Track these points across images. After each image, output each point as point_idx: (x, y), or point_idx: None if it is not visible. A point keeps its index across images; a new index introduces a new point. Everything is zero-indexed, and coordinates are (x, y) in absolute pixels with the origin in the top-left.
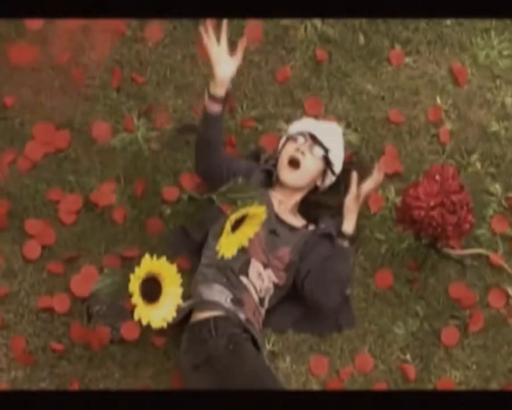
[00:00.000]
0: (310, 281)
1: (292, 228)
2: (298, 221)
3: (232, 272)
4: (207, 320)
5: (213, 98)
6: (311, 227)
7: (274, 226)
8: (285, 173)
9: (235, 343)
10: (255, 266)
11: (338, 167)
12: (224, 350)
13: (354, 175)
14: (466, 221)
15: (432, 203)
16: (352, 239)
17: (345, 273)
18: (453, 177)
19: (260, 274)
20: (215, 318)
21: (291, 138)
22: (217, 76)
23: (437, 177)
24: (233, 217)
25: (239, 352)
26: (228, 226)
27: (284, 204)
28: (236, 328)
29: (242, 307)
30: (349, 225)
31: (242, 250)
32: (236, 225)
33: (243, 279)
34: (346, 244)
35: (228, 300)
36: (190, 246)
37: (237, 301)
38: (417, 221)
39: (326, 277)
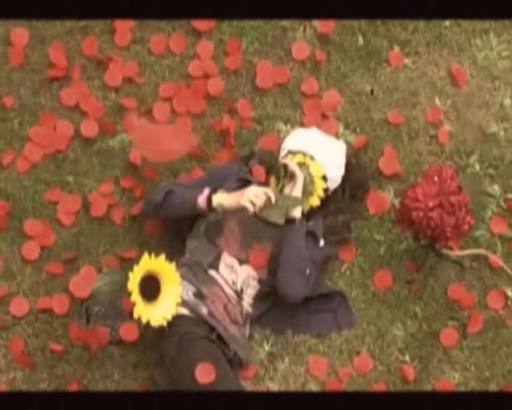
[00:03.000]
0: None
1: (273, 224)
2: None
3: (200, 267)
4: None
5: (209, 205)
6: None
7: (252, 224)
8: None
9: (186, 341)
10: (227, 260)
11: (333, 187)
12: (175, 348)
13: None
14: (465, 222)
15: (430, 204)
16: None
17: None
18: (451, 178)
19: (232, 267)
20: (172, 317)
21: (291, 154)
22: (228, 204)
23: (436, 178)
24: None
25: (189, 350)
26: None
27: None
28: (192, 327)
29: (204, 301)
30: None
31: (213, 245)
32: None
33: (213, 273)
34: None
35: (190, 293)
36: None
37: (199, 294)
38: (415, 222)
39: (281, 264)
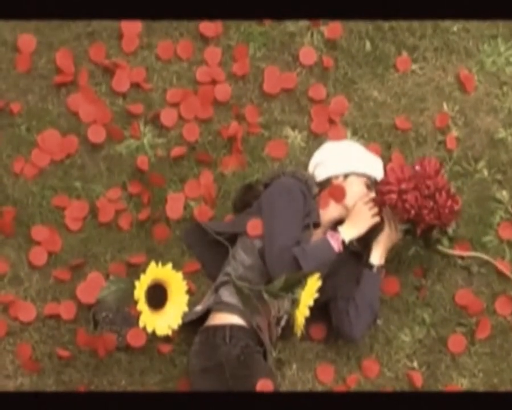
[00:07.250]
0: (341, 309)
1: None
2: None
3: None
4: (223, 327)
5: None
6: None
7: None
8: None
9: (248, 355)
10: None
11: None
12: (236, 360)
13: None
14: (446, 206)
15: (403, 186)
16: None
17: (375, 300)
18: (435, 171)
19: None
20: (231, 326)
21: (362, 176)
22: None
23: (417, 167)
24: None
25: (250, 364)
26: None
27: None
28: (250, 340)
29: (258, 316)
30: (374, 257)
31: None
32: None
33: (265, 295)
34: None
35: None
36: (205, 244)
37: None
38: (392, 207)
39: (359, 308)
